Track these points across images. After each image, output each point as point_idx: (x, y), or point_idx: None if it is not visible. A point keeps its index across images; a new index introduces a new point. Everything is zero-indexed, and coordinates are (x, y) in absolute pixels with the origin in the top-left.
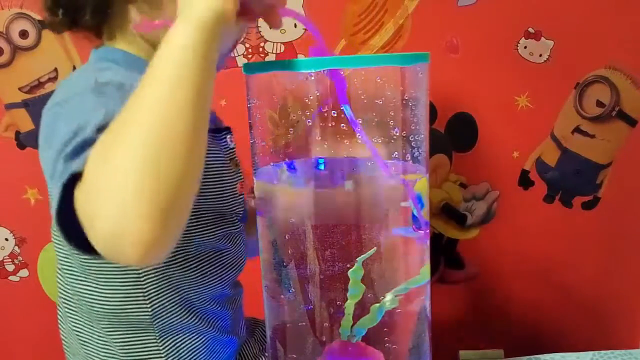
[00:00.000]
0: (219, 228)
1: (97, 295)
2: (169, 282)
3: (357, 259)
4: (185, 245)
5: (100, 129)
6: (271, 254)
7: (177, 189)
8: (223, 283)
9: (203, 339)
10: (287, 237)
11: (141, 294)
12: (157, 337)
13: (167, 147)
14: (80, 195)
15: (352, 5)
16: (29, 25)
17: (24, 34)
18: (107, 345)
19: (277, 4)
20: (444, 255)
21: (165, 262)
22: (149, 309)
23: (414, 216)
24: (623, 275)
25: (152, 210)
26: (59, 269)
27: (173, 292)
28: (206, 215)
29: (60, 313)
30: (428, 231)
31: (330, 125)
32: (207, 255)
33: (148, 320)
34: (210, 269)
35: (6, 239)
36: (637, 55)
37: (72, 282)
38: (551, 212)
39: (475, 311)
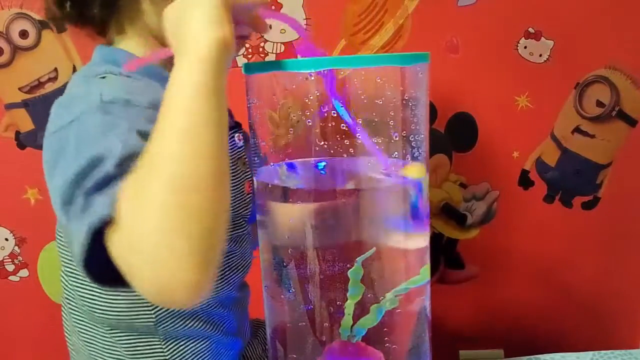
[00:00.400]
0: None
1: (100, 301)
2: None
3: (357, 259)
4: None
5: (120, 163)
6: (271, 254)
7: (216, 228)
8: (229, 285)
9: (208, 342)
10: (287, 237)
11: (145, 301)
12: (162, 341)
13: (202, 188)
14: (119, 243)
15: (352, 5)
16: (29, 25)
17: (24, 34)
18: (112, 345)
19: (261, 11)
20: (444, 255)
21: None
22: (153, 316)
23: (413, 207)
24: (623, 275)
25: (200, 256)
26: (63, 271)
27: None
28: None
29: (64, 311)
30: (428, 229)
31: (330, 125)
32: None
33: (152, 326)
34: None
35: (6, 239)
36: (637, 55)
37: (75, 286)
38: (551, 212)
39: (475, 311)
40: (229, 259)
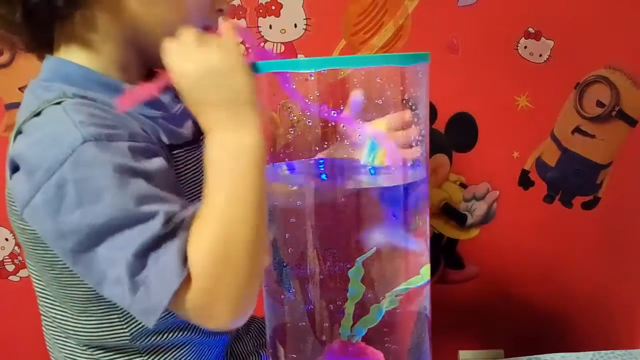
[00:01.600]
0: None
1: (73, 322)
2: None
3: (357, 259)
4: None
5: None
6: (271, 254)
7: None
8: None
9: (189, 346)
10: (287, 237)
11: (117, 319)
12: (142, 353)
13: (259, 240)
14: (200, 300)
15: (352, 5)
16: None
17: None
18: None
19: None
20: (444, 255)
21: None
22: (128, 334)
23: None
24: (623, 275)
25: (254, 295)
26: (36, 291)
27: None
28: None
29: (43, 327)
30: (428, 229)
31: (330, 125)
32: None
33: (127, 343)
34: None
35: (6, 239)
36: (637, 55)
37: (48, 308)
38: (551, 212)
39: (475, 311)
40: None
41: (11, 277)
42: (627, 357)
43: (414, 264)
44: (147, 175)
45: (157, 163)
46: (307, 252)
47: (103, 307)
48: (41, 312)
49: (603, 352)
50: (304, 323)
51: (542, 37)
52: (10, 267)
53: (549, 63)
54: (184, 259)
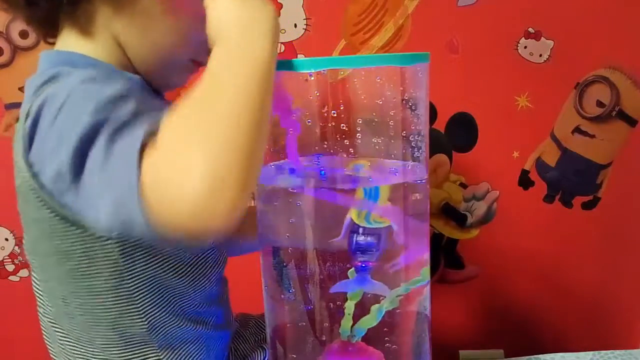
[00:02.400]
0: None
1: (89, 317)
2: (163, 292)
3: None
4: (176, 255)
5: (136, 113)
6: (271, 254)
7: (262, 147)
8: (211, 282)
9: (200, 342)
10: (287, 237)
11: (135, 310)
12: (157, 349)
13: (256, 108)
14: (159, 165)
15: (352, 5)
16: None
17: (24, 34)
18: None
19: None
20: (444, 255)
21: (158, 272)
22: (145, 324)
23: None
24: (623, 275)
25: (246, 173)
26: (41, 296)
27: (167, 303)
28: None
29: (46, 334)
30: (428, 228)
31: (330, 125)
32: (195, 258)
33: (146, 335)
34: (199, 270)
35: (6, 239)
36: (637, 55)
37: (60, 305)
38: (551, 212)
39: (475, 311)
40: (207, 257)
41: (11, 277)
42: (627, 357)
43: (414, 264)
44: (139, 107)
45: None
46: (307, 252)
47: (122, 298)
48: (47, 317)
49: (603, 352)
50: (304, 323)
51: (542, 37)
52: (10, 267)
53: (549, 63)
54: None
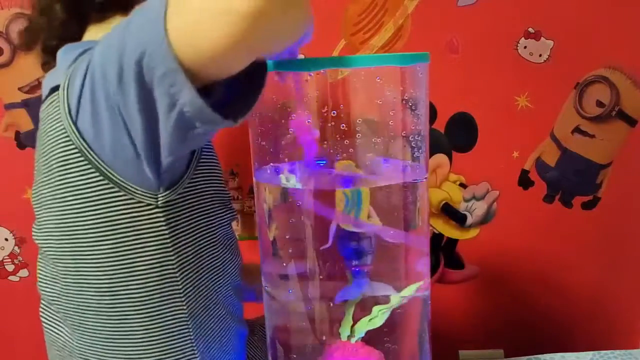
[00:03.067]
0: (228, 211)
1: (128, 308)
2: (202, 273)
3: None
4: (212, 230)
5: None
6: (271, 254)
7: None
8: (236, 270)
9: (228, 332)
10: (287, 237)
11: (177, 292)
12: (193, 339)
13: None
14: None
15: (352, 5)
16: None
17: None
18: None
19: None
20: (444, 255)
21: (198, 248)
22: (186, 310)
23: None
24: (623, 275)
25: None
26: (72, 311)
27: (205, 285)
28: (219, 196)
29: (60, 340)
30: (428, 232)
31: (330, 125)
32: (225, 241)
33: (185, 324)
34: (228, 255)
35: (6, 239)
36: (637, 55)
37: (88, 304)
38: (551, 212)
39: (475, 311)
40: (232, 242)
41: (11, 277)
42: (627, 357)
43: (414, 264)
44: None
45: None
46: (307, 252)
47: (165, 277)
48: (81, 333)
49: (603, 352)
50: (304, 323)
51: (542, 37)
52: (10, 267)
53: (549, 63)
54: None
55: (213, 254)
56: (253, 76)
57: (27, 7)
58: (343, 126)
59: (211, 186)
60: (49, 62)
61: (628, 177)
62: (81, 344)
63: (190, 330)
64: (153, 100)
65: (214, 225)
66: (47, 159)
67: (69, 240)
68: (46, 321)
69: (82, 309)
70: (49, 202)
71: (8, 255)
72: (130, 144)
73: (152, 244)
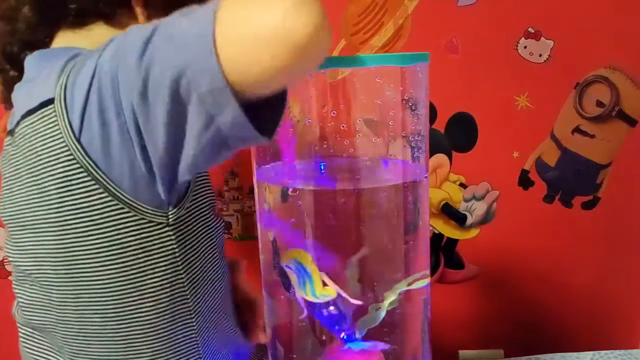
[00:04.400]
0: (220, 218)
1: (142, 325)
2: (208, 288)
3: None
4: (212, 240)
5: None
6: (271, 254)
7: None
8: (227, 276)
9: (232, 344)
10: (287, 237)
11: (188, 310)
12: (201, 355)
13: None
14: (233, 19)
15: (352, 5)
16: None
17: None
18: None
19: None
20: (444, 255)
21: (206, 261)
22: (195, 325)
23: None
24: (623, 275)
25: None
26: (66, 337)
27: (212, 299)
28: (213, 204)
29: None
30: (428, 233)
31: (330, 125)
32: (222, 249)
33: (194, 338)
34: (225, 263)
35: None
36: (637, 55)
37: (87, 330)
38: (551, 212)
39: (475, 311)
40: (223, 251)
41: (11, 277)
42: (627, 357)
43: (414, 264)
44: None
45: None
46: (307, 252)
47: (176, 295)
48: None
49: (603, 352)
50: (304, 323)
51: (542, 37)
52: (10, 267)
53: (549, 63)
54: None
55: (215, 264)
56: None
57: None
58: (343, 126)
59: (207, 193)
60: (5, 70)
61: (628, 177)
62: None
63: (199, 346)
64: (184, 117)
65: (213, 234)
66: (36, 179)
67: (69, 266)
68: (32, 351)
69: (83, 336)
70: (42, 225)
71: None
72: (142, 161)
73: (163, 263)
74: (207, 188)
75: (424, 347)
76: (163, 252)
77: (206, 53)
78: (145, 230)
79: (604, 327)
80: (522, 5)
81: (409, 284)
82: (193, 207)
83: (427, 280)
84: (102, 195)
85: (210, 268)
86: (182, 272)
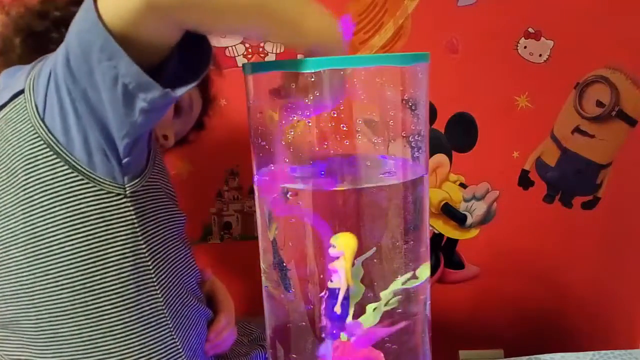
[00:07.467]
0: (182, 215)
1: (109, 296)
2: (171, 263)
3: (357, 259)
4: (172, 226)
5: None
6: (271, 254)
7: None
8: (196, 269)
9: (199, 318)
10: (287, 237)
11: (151, 281)
12: (172, 328)
13: None
14: None
15: (352, 5)
16: None
17: None
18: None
19: None
20: (444, 255)
21: (166, 238)
22: (161, 298)
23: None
24: (623, 275)
25: None
26: (36, 326)
27: (175, 274)
28: (173, 200)
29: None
30: (428, 232)
31: (330, 125)
32: (184, 239)
33: (162, 311)
34: (188, 252)
35: None
36: (637, 55)
37: (61, 306)
38: (551, 212)
39: (475, 311)
40: (188, 245)
41: None
42: (627, 357)
43: (413, 264)
44: None
45: None
46: (307, 252)
47: (139, 267)
48: (52, 332)
49: (603, 352)
50: (304, 323)
51: (542, 37)
52: None
53: (549, 63)
54: None
55: (176, 246)
56: (201, 55)
57: None
58: (343, 126)
59: (166, 189)
60: None
61: (628, 177)
62: (57, 358)
63: (168, 319)
64: (97, 83)
65: (173, 221)
66: (6, 165)
67: (37, 243)
68: (4, 352)
69: (55, 318)
70: (8, 209)
71: None
72: (94, 133)
73: (123, 233)
74: (166, 184)
75: (424, 347)
76: (122, 221)
77: (88, 12)
78: (105, 200)
79: (604, 327)
80: (522, 5)
81: (403, 284)
82: (151, 189)
83: (427, 281)
84: (64, 168)
85: (171, 247)
86: (142, 242)
